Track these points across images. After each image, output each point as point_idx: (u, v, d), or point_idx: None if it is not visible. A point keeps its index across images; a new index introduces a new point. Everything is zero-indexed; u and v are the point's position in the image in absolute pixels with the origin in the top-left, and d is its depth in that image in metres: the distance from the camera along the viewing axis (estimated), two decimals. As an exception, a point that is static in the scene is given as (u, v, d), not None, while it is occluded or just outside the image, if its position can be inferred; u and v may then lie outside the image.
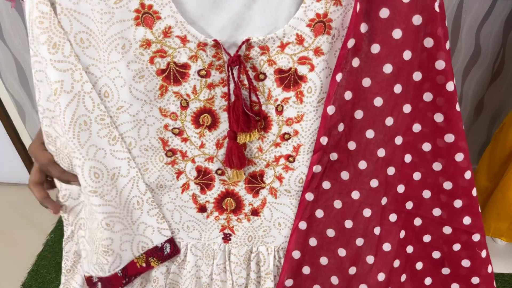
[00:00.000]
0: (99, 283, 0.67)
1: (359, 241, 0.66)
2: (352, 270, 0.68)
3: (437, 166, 0.61)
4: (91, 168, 0.60)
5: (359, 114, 0.58)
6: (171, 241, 0.69)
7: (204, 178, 0.65)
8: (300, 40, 0.54)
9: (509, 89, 1.42)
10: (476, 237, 0.65)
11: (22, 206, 1.51)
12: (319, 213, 0.65)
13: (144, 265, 0.69)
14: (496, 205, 1.18)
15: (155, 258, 0.69)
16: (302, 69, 0.55)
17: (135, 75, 0.56)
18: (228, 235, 0.70)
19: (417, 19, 0.51)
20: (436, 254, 0.69)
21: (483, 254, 0.66)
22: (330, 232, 0.66)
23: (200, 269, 0.73)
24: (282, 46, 0.54)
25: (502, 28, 1.27)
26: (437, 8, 0.51)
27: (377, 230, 0.66)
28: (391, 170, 0.62)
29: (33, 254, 1.31)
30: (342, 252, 0.67)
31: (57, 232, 1.39)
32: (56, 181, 0.68)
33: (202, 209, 0.68)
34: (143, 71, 0.56)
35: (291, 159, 0.62)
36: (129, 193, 0.64)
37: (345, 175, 0.62)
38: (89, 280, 0.68)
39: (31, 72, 0.57)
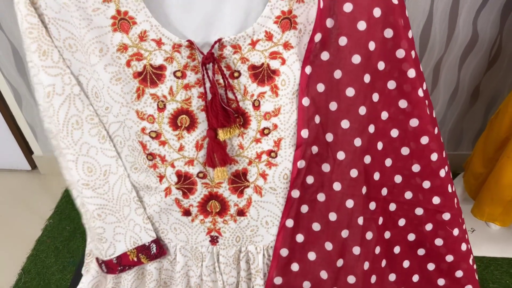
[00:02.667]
0: (103, 264, 0.72)
1: (344, 233, 0.66)
2: (340, 263, 0.68)
3: (405, 151, 0.63)
4: (85, 163, 0.63)
5: (333, 106, 0.59)
6: (157, 242, 0.70)
7: (185, 183, 0.65)
8: (269, 36, 0.55)
9: (505, 76, 1.42)
10: (446, 216, 0.67)
11: (20, 192, 1.53)
12: (304, 208, 0.66)
13: (135, 259, 0.71)
14: (490, 190, 1.18)
15: (144, 255, 0.71)
16: (274, 64, 0.57)
17: (111, 77, 0.58)
18: (215, 238, 0.70)
19: (377, 12, 0.53)
20: (411, 237, 0.71)
21: (455, 232, 0.68)
22: (316, 226, 0.67)
23: (191, 269, 0.74)
24: (253, 43, 0.56)
25: (499, 15, 1.27)
26: (395, 1, 0.53)
27: (360, 220, 0.66)
28: (367, 159, 0.63)
29: (32, 239, 1.32)
30: (328, 245, 0.67)
31: (56, 218, 1.40)
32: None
33: (186, 212, 0.68)
34: (120, 73, 0.57)
35: (273, 154, 0.62)
36: (120, 189, 0.66)
37: (326, 167, 0.63)
38: (97, 260, 0.74)
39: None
